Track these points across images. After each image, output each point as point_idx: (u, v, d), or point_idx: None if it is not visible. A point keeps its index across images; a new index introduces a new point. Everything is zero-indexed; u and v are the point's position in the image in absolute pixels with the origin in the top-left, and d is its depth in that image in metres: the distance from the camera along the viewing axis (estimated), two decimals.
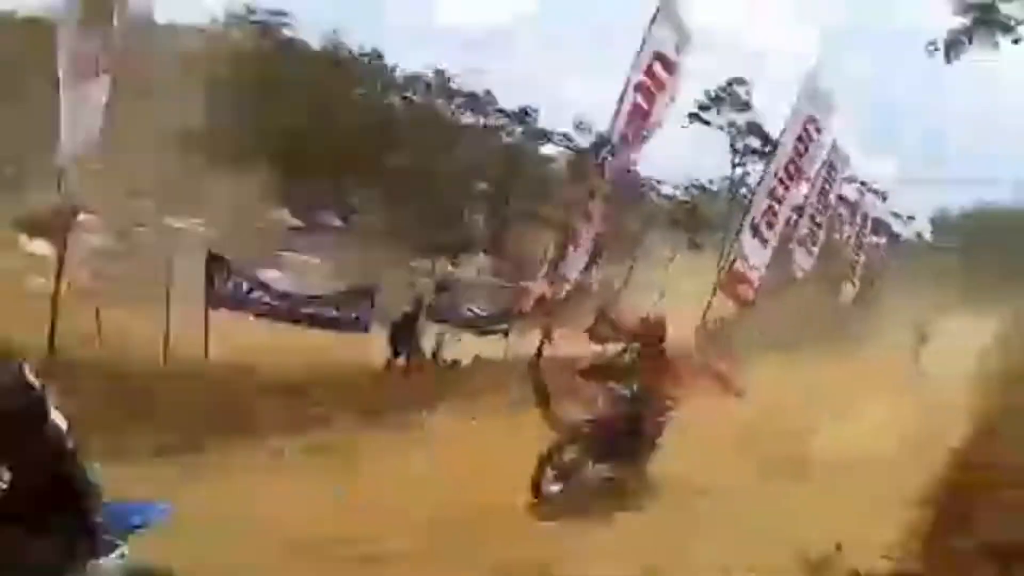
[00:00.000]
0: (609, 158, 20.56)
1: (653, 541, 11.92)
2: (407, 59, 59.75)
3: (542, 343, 19.74)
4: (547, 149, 60.06)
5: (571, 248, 20.72)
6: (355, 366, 17.88)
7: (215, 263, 16.46)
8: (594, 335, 21.30)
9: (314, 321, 17.61)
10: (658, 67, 20.67)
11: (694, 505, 13.92)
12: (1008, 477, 11.10)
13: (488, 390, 18.54)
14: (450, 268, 48.96)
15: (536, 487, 12.27)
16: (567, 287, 22.29)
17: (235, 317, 17.42)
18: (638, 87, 20.44)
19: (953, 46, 8.57)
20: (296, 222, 48.78)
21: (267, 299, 17.12)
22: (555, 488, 12.60)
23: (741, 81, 47.39)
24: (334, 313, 17.95)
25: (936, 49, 8.50)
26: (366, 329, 17.55)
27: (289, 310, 17.39)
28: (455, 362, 20.20)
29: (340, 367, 17.79)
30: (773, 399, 20.44)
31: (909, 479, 16.17)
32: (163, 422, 12.88)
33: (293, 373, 16.41)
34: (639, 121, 20.52)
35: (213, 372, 15.65)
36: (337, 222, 50.73)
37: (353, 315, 17.90)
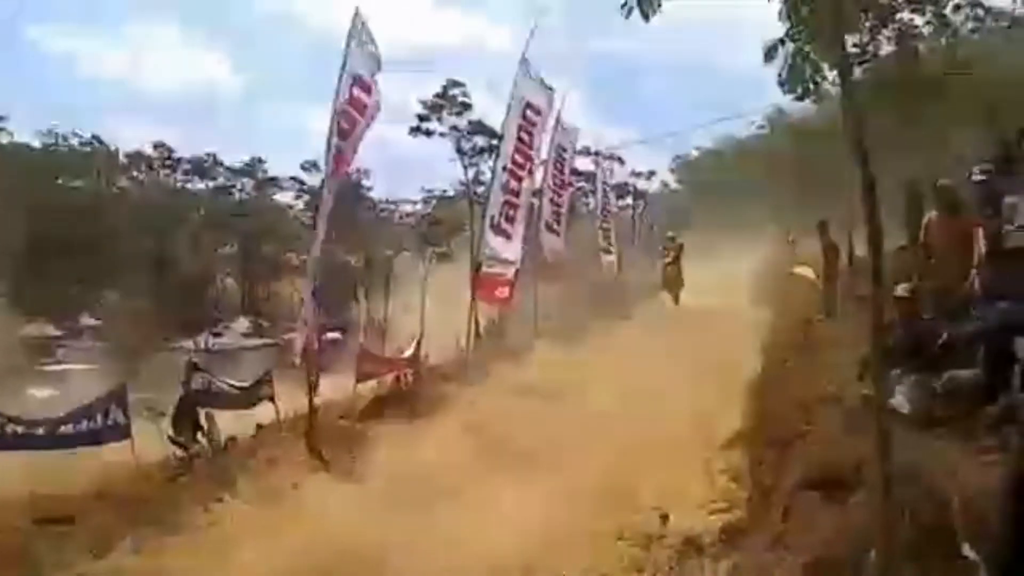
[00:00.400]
0: (326, 192, 19.73)
1: None
2: (125, 139, 58.62)
3: (311, 396, 18.66)
4: (282, 196, 59.06)
5: (311, 291, 19.78)
6: (133, 472, 16.23)
7: None
8: (359, 374, 20.68)
9: (75, 440, 15.80)
10: (357, 91, 19.96)
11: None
12: (808, 406, 10.87)
13: (275, 462, 17.38)
14: (212, 340, 47.19)
15: None
16: (331, 331, 21.45)
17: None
18: (342, 114, 19.70)
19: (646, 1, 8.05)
20: (53, 331, 46.41)
21: (21, 430, 15.21)
22: None
23: (456, 83, 47.26)
24: (92, 425, 16.19)
25: (631, 8, 7.96)
26: (127, 435, 15.87)
27: (46, 436, 15.52)
28: (231, 439, 18.82)
29: (117, 477, 16.17)
30: (558, 386, 20.04)
31: (712, 429, 16.10)
32: None
33: (69, 498, 14.77)
34: (347, 146, 19.80)
35: None
36: (93, 320, 48.62)
37: (110, 422, 16.20)
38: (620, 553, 11.80)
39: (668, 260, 33.64)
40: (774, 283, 29.78)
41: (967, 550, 5.79)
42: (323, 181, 20.20)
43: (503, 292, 26.75)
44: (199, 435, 17.99)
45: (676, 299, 32.71)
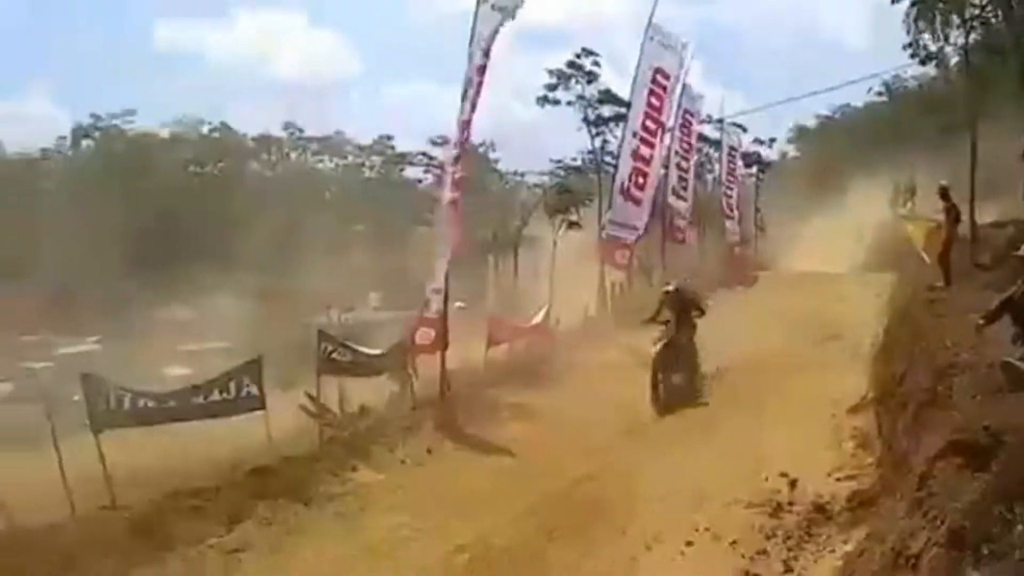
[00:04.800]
0: (455, 165, 19.90)
1: None
2: (253, 123, 59.90)
3: (442, 364, 18.93)
4: (411, 172, 59.35)
5: (441, 262, 19.88)
6: (266, 444, 16.34)
7: (91, 384, 14.74)
8: (490, 341, 21.30)
9: (206, 411, 15.96)
10: (484, 57, 19.91)
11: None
12: (942, 370, 10.49)
13: (408, 430, 17.52)
14: (344, 315, 47.81)
15: None
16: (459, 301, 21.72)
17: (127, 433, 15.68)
18: (470, 84, 19.70)
19: None
20: (188, 313, 47.56)
21: (152, 404, 15.46)
22: None
23: (588, 52, 46.71)
24: (226, 396, 16.40)
25: None
26: (262, 405, 15.99)
27: (178, 408, 15.77)
28: (363, 408, 19.09)
29: (251, 449, 16.30)
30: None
31: (838, 394, 15.87)
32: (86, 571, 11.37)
33: (204, 475, 14.83)
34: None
35: (122, 499, 13.94)
36: (228, 301, 49.64)
37: (245, 393, 16.43)
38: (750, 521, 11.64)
39: None
40: (891, 249, 29.13)
41: None
42: (458, 149, 20.27)
43: (623, 256, 27.72)
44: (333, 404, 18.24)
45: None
